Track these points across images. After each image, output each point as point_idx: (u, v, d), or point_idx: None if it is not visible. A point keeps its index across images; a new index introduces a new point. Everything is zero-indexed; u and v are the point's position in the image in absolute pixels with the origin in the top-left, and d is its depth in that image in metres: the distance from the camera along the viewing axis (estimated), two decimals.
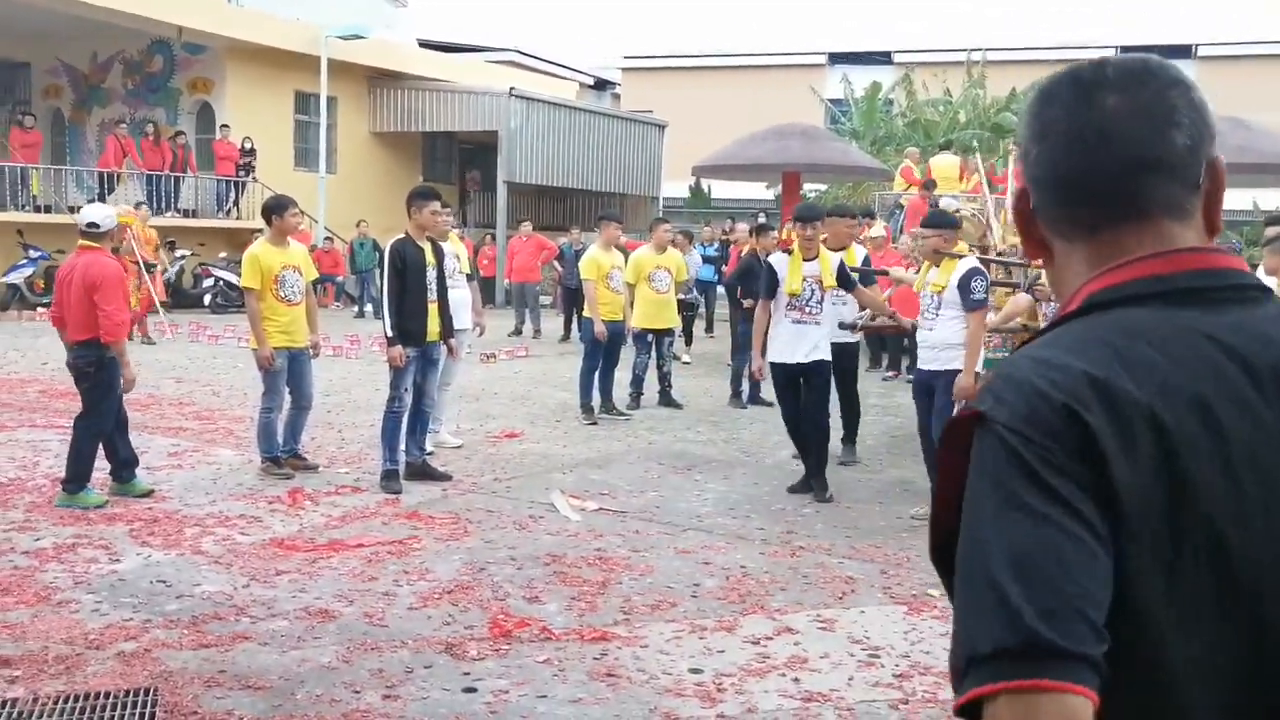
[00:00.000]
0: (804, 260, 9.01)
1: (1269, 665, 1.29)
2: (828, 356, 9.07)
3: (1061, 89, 1.44)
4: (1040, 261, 1.53)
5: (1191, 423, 1.26)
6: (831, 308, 9.29)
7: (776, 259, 9.26)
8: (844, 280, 9.15)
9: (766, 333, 9.17)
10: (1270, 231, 10.38)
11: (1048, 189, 1.45)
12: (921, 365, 8.53)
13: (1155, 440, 1.25)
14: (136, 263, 18.26)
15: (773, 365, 9.13)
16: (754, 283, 12.23)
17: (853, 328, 10.18)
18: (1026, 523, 1.22)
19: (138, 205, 21.39)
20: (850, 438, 10.63)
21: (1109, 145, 1.39)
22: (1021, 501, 1.23)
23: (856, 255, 10.52)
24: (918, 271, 9.25)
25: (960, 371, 8.08)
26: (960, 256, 8.41)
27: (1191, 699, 1.26)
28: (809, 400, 9.06)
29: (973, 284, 8.07)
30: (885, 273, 11.49)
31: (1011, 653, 1.18)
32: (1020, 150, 1.50)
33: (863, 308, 10.18)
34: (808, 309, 8.97)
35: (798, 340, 8.97)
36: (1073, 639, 1.17)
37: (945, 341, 8.19)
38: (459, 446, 10.58)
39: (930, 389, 8.31)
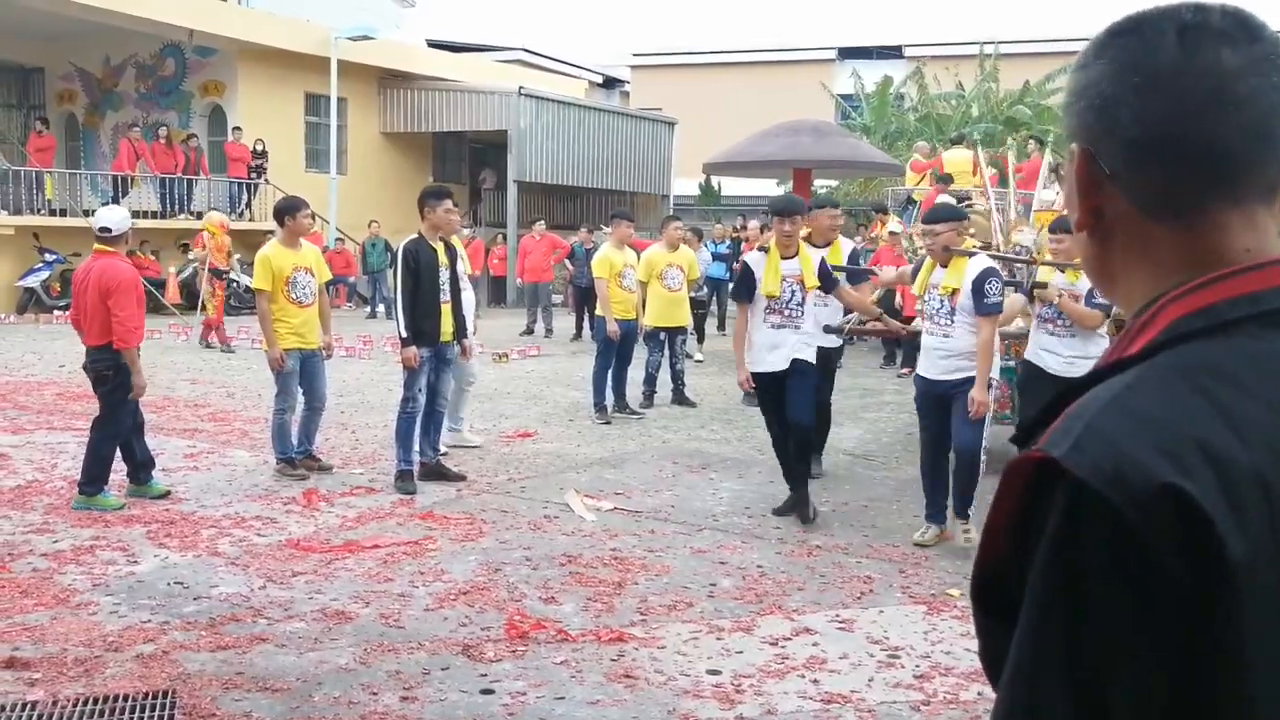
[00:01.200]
0: (782, 259, 8.17)
1: None
2: (810, 356, 8.23)
3: (1161, 35, 1.21)
4: (1086, 235, 1.32)
5: None
6: (814, 310, 8.47)
7: (753, 258, 8.34)
8: (826, 280, 8.33)
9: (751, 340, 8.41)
10: None
11: (1147, 152, 1.21)
12: (934, 375, 7.57)
13: (1269, 509, 1.06)
14: (215, 270, 18.33)
15: (754, 375, 8.25)
16: None
17: (839, 332, 9.31)
18: (1108, 665, 1.06)
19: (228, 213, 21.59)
20: (818, 450, 9.70)
21: (1229, 106, 1.18)
22: (1106, 626, 1.06)
23: (843, 251, 9.77)
24: (915, 269, 8.47)
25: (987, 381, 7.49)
26: (971, 254, 7.65)
27: None
28: (790, 397, 8.17)
29: (987, 286, 7.32)
30: (874, 272, 10.78)
31: None
32: (1087, 103, 1.26)
33: (849, 310, 9.33)
34: (788, 312, 8.13)
35: (778, 346, 8.12)
36: None
37: (967, 350, 7.42)
38: (478, 446, 10.58)
39: (947, 401, 7.53)
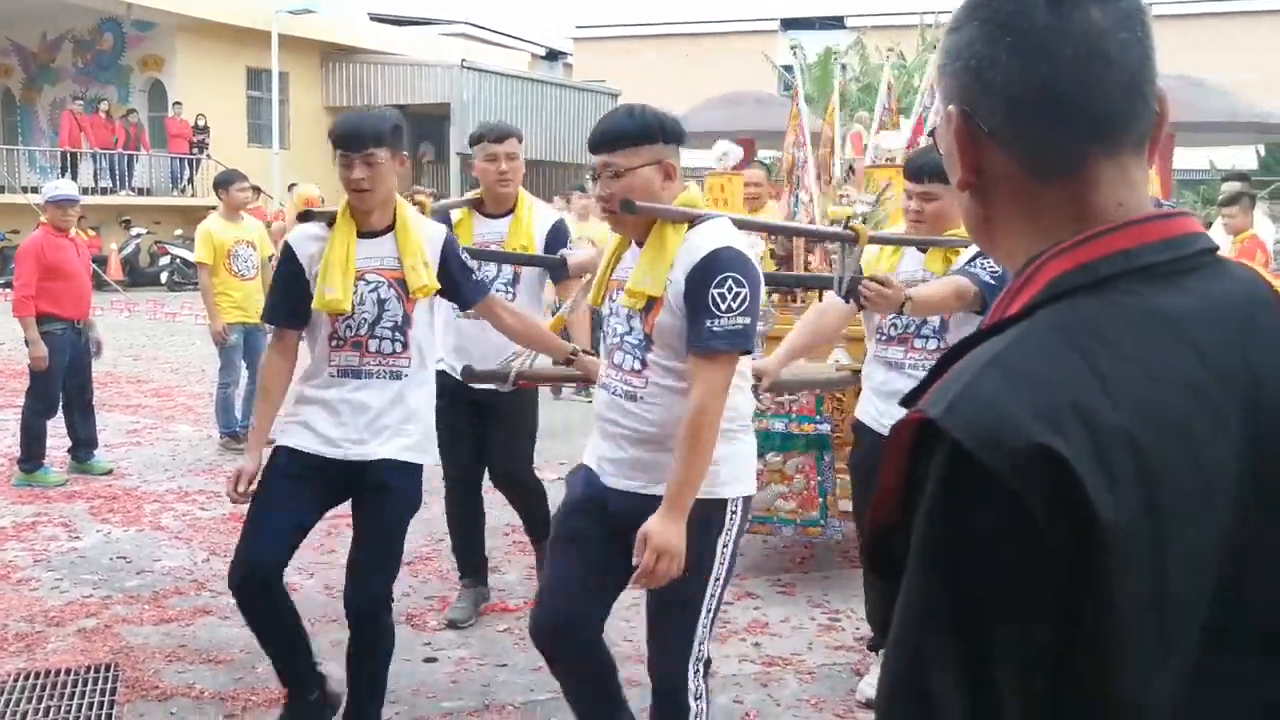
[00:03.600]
0: (360, 236, 4.16)
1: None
2: (400, 453, 4.22)
3: (1030, 1, 1.23)
4: (969, 195, 1.32)
5: (1172, 445, 1.12)
6: (431, 336, 4.36)
7: (298, 237, 4.25)
8: (451, 280, 4.26)
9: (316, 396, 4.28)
10: (1229, 188, 10.38)
11: (1025, 109, 1.24)
12: (610, 478, 3.51)
13: (1135, 469, 1.09)
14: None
15: (285, 451, 4.22)
16: None
17: (500, 379, 4.74)
18: (983, 608, 1.09)
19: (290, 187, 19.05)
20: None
21: (1105, 63, 1.21)
22: (979, 574, 1.09)
23: (535, 225, 5.50)
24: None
25: (716, 500, 3.38)
26: (693, 216, 3.44)
27: None
28: (359, 535, 4.30)
29: (718, 291, 3.24)
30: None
31: None
32: (963, 64, 1.27)
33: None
34: (371, 346, 4.15)
35: (343, 411, 4.17)
36: None
37: (669, 427, 3.33)
38: None
39: (625, 543, 3.33)
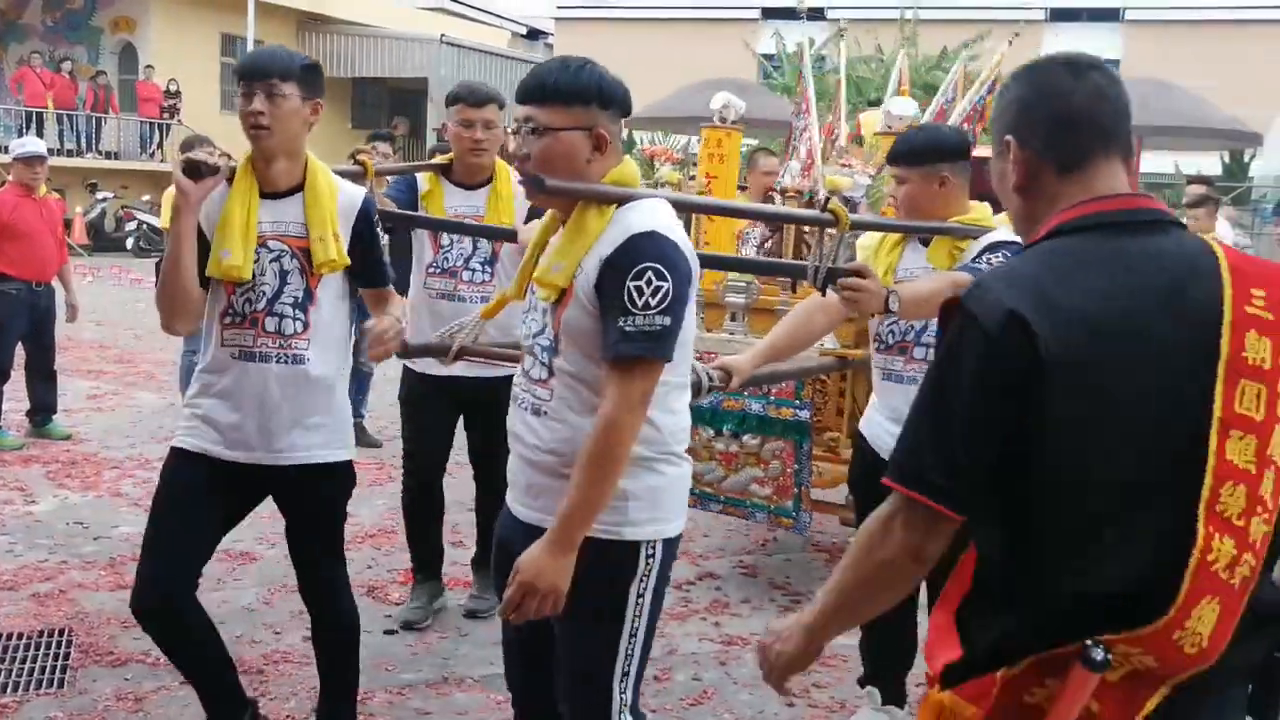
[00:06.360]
0: (262, 196, 3.68)
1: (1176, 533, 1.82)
2: (316, 455, 3.74)
3: (1056, 67, 2.02)
4: (1020, 195, 2.05)
5: (1121, 323, 1.81)
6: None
7: None
8: (360, 255, 3.73)
9: None
10: (1194, 190, 10.44)
11: (1058, 129, 1.99)
12: (515, 503, 2.99)
13: (1088, 333, 1.80)
14: None
15: (181, 455, 3.79)
16: None
17: (438, 353, 3.81)
18: (957, 400, 1.86)
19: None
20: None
21: (1104, 100, 2.00)
22: (961, 381, 1.85)
23: (516, 196, 4.99)
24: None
25: (623, 544, 2.85)
26: (623, 199, 2.83)
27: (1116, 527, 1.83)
28: (294, 534, 4.02)
29: (634, 284, 2.68)
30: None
31: (908, 475, 1.91)
32: (1017, 109, 2.04)
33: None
34: (268, 324, 3.65)
35: (242, 402, 3.67)
36: (947, 480, 1.87)
37: (573, 443, 2.79)
38: None
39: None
